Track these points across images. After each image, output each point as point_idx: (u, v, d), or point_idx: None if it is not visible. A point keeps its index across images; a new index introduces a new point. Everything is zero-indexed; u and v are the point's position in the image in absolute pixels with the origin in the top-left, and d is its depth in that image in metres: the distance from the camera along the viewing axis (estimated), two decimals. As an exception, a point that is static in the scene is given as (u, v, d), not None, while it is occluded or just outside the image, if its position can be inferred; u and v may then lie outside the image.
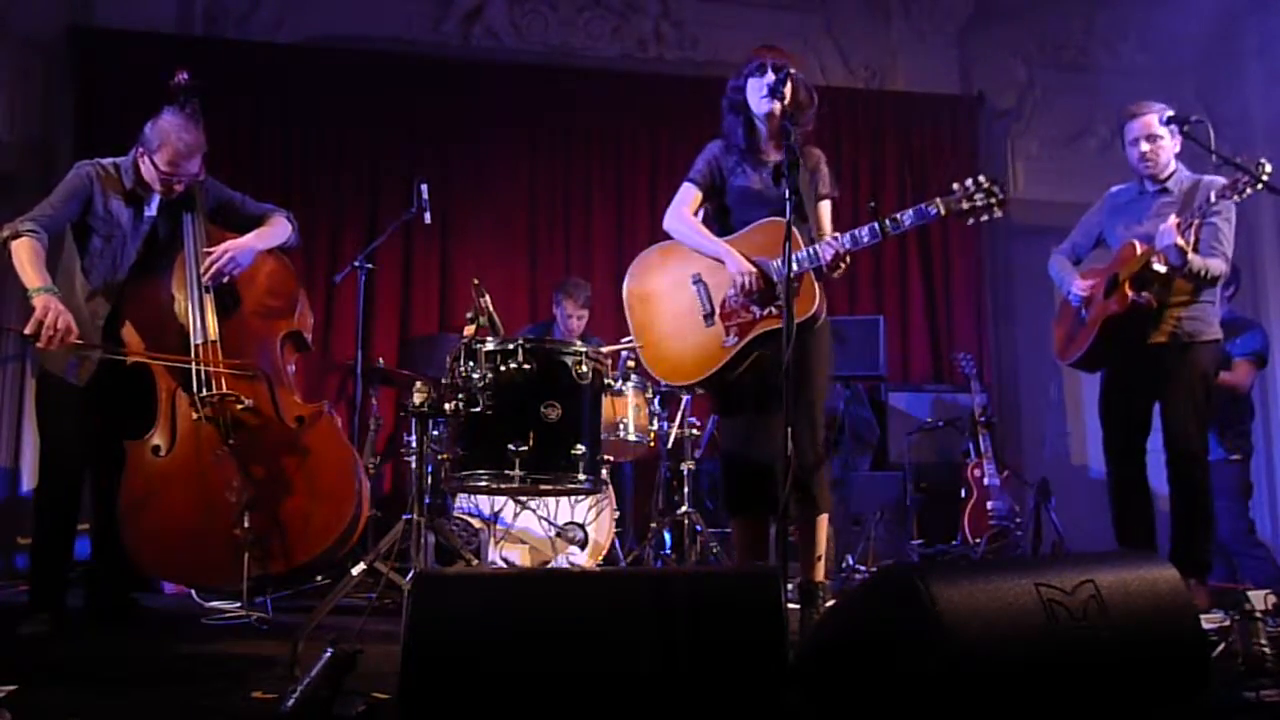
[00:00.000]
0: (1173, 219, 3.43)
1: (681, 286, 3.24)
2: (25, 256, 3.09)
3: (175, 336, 3.25)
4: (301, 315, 3.45)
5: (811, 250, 3.03)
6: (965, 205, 3.01)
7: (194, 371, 3.17)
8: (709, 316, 3.18)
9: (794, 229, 2.84)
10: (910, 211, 3.01)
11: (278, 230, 3.47)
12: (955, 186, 3.03)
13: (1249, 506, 4.96)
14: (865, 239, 3.02)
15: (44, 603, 3.17)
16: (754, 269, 3.07)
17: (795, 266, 2.88)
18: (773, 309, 3.06)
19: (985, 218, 3.02)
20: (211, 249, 3.30)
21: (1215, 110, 6.36)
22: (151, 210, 3.33)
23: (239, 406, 3.17)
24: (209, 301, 3.27)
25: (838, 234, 3.07)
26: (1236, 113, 6.81)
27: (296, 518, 3.15)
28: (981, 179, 3.02)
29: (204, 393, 3.16)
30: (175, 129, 3.24)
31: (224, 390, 3.17)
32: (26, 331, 3.00)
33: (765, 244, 3.10)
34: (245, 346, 3.29)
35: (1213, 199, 3.41)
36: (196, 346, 3.22)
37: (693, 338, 3.20)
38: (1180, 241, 3.41)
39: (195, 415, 3.15)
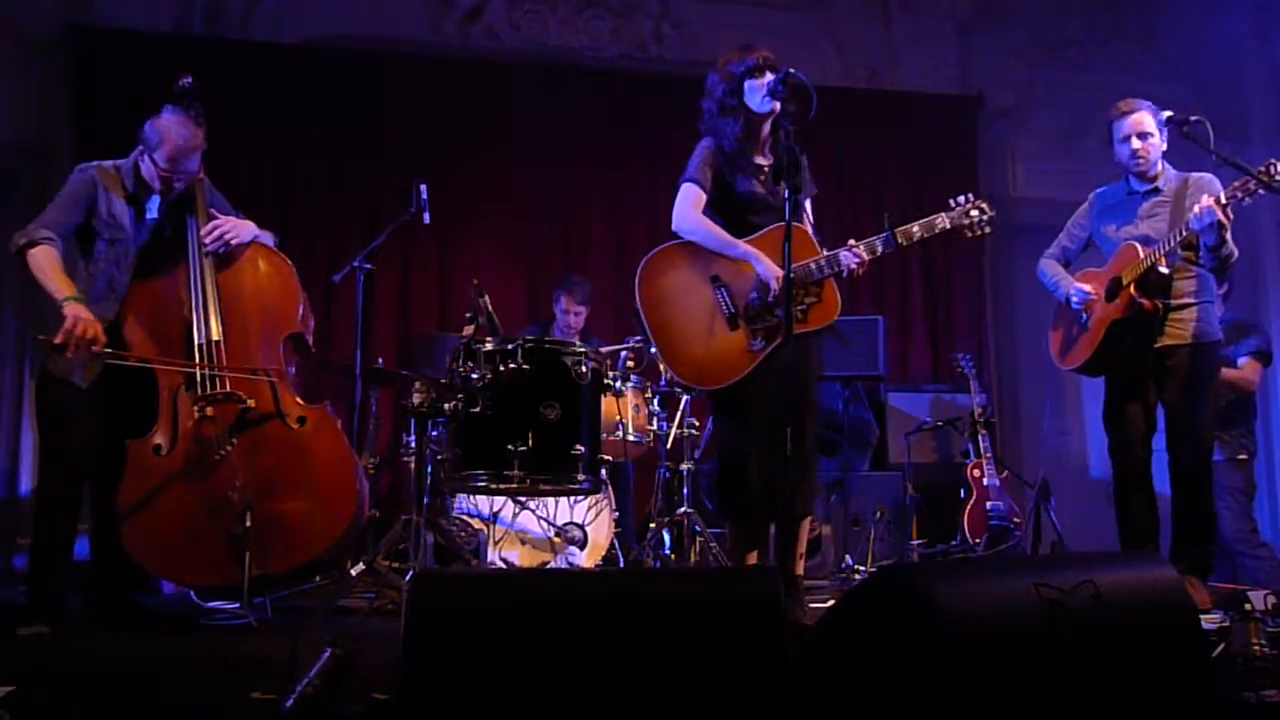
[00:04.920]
0: (1207, 199, 3.38)
1: (699, 287, 3.20)
2: (47, 265, 3.11)
3: (179, 337, 3.26)
4: (304, 317, 3.46)
5: (832, 257, 3.08)
6: (967, 220, 3.25)
7: (198, 371, 3.17)
8: (733, 319, 3.15)
9: (807, 233, 2.93)
10: (918, 225, 3.18)
11: (268, 236, 3.51)
12: (952, 203, 3.26)
13: (1252, 507, 4.96)
14: (880, 248, 3.14)
15: (43, 604, 3.16)
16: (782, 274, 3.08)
17: (818, 272, 3.06)
18: (797, 313, 3.06)
19: (979, 233, 3.28)
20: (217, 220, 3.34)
21: (1214, 110, 6.35)
22: (153, 212, 3.34)
23: (241, 407, 3.17)
24: (213, 302, 3.28)
25: (856, 242, 3.13)
26: (1236, 113, 6.81)
27: (297, 518, 3.16)
28: (972, 197, 3.28)
29: (207, 392, 3.17)
30: (175, 126, 3.25)
31: (227, 390, 3.18)
32: (57, 340, 3.01)
33: (782, 247, 3.11)
34: (248, 347, 3.30)
35: (1224, 199, 3.38)
36: (200, 346, 3.23)
37: (718, 341, 3.15)
38: (1223, 218, 3.35)
39: (197, 415, 3.16)
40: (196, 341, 3.23)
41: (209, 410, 3.16)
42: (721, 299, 3.16)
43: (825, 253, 3.10)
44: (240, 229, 3.37)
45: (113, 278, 3.27)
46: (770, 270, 3.08)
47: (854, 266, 3.09)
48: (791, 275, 3.06)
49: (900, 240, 3.15)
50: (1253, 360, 4.76)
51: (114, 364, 3.18)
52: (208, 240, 3.30)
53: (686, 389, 4.27)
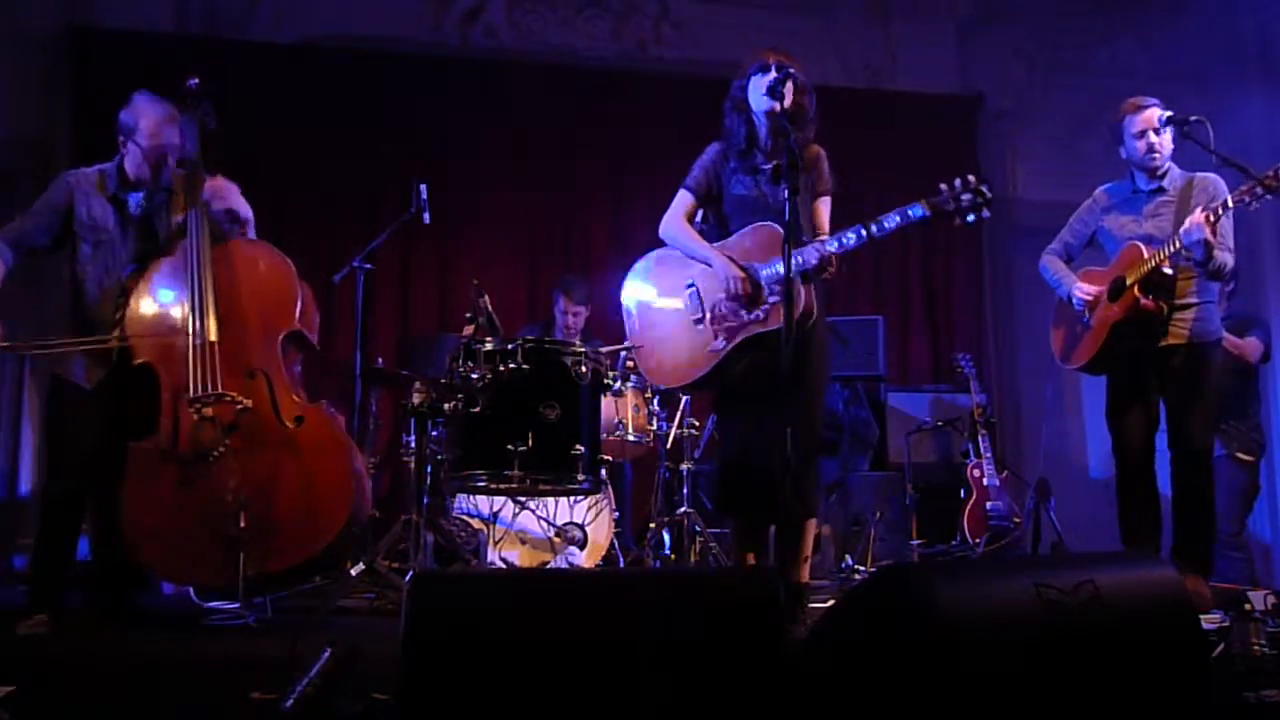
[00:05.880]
0: (1199, 213, 3.39)
1: (676, 292, 3.26)
2: None
3: (175, 338, 3.25)
4: (304, 315, 3.45)
5: (797, 256, 3.03)
6: (951, 206, 2.95)
7: (191, 372, 3.17)
8: (699, 321, 3.19)
9: (778, 233, 2.85)
10: (894, 214, 2.97)
11: (245, 207, 3.54)
12: (943, 187, 2.99)
13: (1245, 510, 4.94)
14: (851, 243, 3.00)
15: (44, 603, 3.17)
16: (741, 273, 3.08)
17: (780, 271, 2.93)
18: (759, 313, 3.07)
19: (972, 218, 2.97)
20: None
21: (1214, 111, 6.34)
22: (137, 205, 3.34)
23: (237, 407, 3.17)
24: (210, 302, 3.27)
25: (825, 237, 3.06)
26: (1236, 113, 6.80)
27: (295, 517, 3.16)
28: (971, 178, 2.97)
29: (201, 393, 3.17)
30: (145, 103, 3.29)
31: (220, 390, 3.18)
32: None
33: (754, 248, 3.12)
34: (246, 347, 3.30)
35: (1230, 203, 3.39)
36: (196, 348, 3.22)
37: (684, 342, 3.22)
38: (1210, 237, 3.37)
39: (195, 417, 3.16)
40: (192, 343, 3.22)
41: (206, 411, 3.16)
42: (693, 301, 3.21)
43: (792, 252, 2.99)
44: (222, 190, 3.41)
45: (102, 280, 3.29)
46: (726, 270, 3.09)
47: (814, 263, 2.96)
48: (754, 274, 3.07)
49: (872, 231, 2.96)
50: (1256, 339, 4.80)
51: (115, 362, 3.18)
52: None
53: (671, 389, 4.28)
